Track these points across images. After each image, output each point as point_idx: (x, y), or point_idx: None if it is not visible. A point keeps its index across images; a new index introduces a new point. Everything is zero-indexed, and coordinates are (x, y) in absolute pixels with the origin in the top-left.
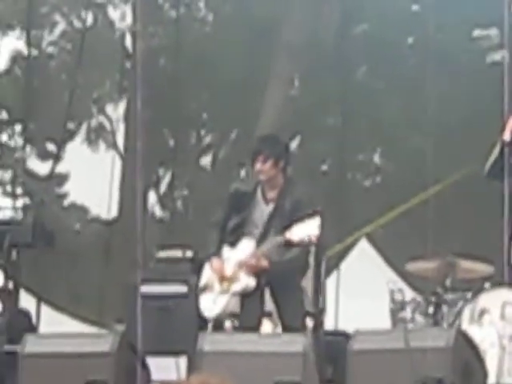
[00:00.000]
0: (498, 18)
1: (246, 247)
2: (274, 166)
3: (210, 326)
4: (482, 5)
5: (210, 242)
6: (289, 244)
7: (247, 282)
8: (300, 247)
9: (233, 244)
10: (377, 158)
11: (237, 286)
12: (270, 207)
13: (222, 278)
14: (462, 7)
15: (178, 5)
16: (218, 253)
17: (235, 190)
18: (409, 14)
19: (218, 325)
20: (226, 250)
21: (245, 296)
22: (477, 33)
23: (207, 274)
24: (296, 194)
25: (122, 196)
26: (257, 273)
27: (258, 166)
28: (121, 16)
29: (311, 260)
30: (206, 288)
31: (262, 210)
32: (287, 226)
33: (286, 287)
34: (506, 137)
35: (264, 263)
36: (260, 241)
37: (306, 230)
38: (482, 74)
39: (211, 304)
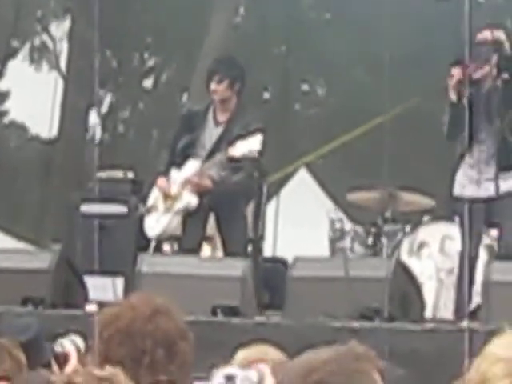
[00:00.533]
0: None
1: (191, 167)
2: (229, 88)
3: (151, 245)
4: None
5: (160, 162)
6: (232, 160)
7: (189, 199)
8: (244, 164)
9: (180, 165)
10: (320, 89)
11: (179, 204)
12: (220, 129)
13: (166, 197)
14: None
15: None
16: (165, 173)
17: (187, 110)
18: None
19: (159, 246)
20: (174, 171)
21: (187, 216)
22: None
23: (154, 194)
24: (246, 118)
25: (63, 116)
26: (199, 191)
27: (213, 85)
28: None
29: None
30: (151, 208)
31: (211, 132)
32: (230, 143)
33: (230, 213)
34: (452, 97)
35: (207, 181)
36: (206, 162)
37: (248, 145)
38: (431, 9)
39: (154, 223)
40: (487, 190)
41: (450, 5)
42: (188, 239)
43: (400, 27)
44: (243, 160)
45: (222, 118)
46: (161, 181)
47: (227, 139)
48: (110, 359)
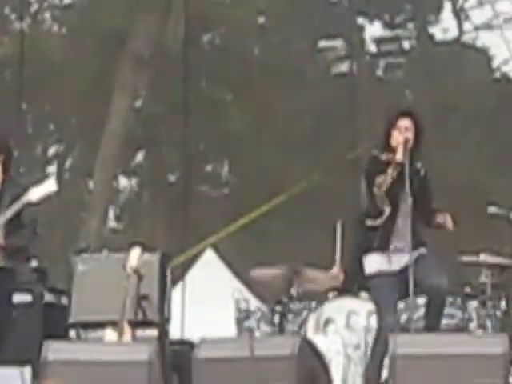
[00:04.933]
0: (344, 29)
1: None
2: None
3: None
4: (327, 16)
5: None
6: (30, 205)
7: None
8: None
9: None
10: (224, 170)
11: None
12: None
13: None
14: (307, 19)
15: (23, 16)
16: None
17: None
18: (255, 25)
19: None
20: None
21: None
22: (322, 44)
23: None
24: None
25: None
26: None
27: None
28: None
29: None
30: None
31: None
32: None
33: None
34: (399, 156)
35: None
36: None
37: (45, 188)
38: (328, 86)
39: None
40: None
41: (347, 80)
42: None
43: (297, 104)
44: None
45: None
46: None
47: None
48: None
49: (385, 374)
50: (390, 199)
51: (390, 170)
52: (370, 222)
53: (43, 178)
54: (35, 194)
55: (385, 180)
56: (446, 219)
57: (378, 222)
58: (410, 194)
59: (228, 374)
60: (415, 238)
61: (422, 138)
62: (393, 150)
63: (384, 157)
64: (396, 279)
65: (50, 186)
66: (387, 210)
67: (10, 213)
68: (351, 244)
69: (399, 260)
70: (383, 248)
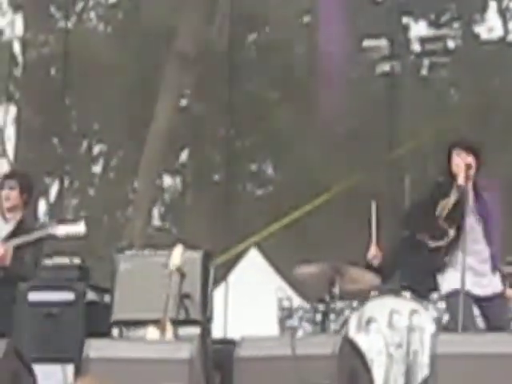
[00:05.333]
0: (389, 28)
1: None
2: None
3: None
4: (371, 16)
5: None
6: (52, 238)
7: None
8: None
9: None
10: (269, 169)
11: None
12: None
13: None
14: (352, 18)
15: (68, 14)
16: None
17: None
18: (299, 24)
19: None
20: None
21: None
22: (366, 43)
23: None
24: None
25: None
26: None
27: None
28: (10, 23)
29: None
30: None
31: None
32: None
33: None
34: (461, 181)
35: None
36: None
37: (74, 228)
38: (372, 85)
39: None
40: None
41: (390, 80)
42: None
43: (344, 103)
44: (65, 239)
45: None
46: None
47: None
48: None
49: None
50: (453, 222)
51: (452, 194)
52: (433, 244)
53: (75, 219)
54: (62, 229)
55: (447, 203)
56: None
57: (442, 243)
58: (476, 216)
59: (269, 372)
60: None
61: (481, 162)
62: (454, 177)
63: (446, 182)
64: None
65: (79, 228)
66: (451, 232)
67: (29, 237)
68: (393, 237)
69: (483, 285)
70: (454, 265)
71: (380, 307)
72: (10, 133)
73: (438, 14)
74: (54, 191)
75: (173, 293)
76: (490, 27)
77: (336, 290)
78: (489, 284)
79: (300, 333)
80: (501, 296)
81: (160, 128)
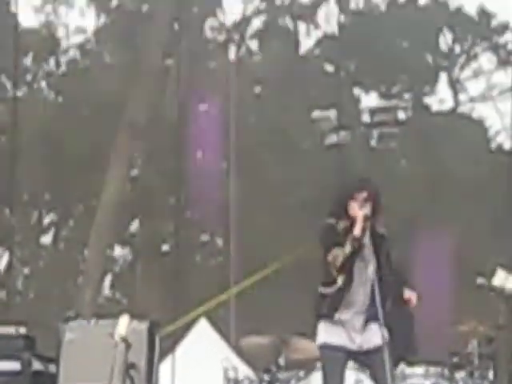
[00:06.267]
0: (340, 99)
1: None
2: None
3: None
4: (323, 87)
5: None
6: None
7: None
8: None
9: None
10: (219, 239)
11: None
12: None
13: None
14: (303, 89)
15: (18, 83)
16: None
17: None
18: (252, 95)
19: None
20: None
21: None
22: (315, 114)
23: None
24: None
25: None
26: None
27: None
28: None
29: None
30: None
31: None
32: None
33: None
34: (357, 232)
35: None
36: None
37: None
38: (321, 156)
39: None
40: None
41: (339, 151)
42: None
43: (291, 175)
44: None
45: None
46: None
47: None
48: None
49: None
50: (344, 271)
51: (347, 245)
52: (322, 290)
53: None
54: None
55: (341, 253)
56: (411, 296)
57: (329, 290)
58: (375, 263)
59: None
60: (373, 311)
61: (380, 206)
62: (350, 219)
63: (341, 225)
64: (346, 356)
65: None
66: (340, 281)
67: None
68: None
69: (358, 340)
70: (329, 317)
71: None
72: None
73: (388, 86)
74: (3, 261)
75: (118, 363)
76: (441, 99)
77: (281, 361)
78: (365, 338)
79: None
80: (379, 349)
81: (110, 198)
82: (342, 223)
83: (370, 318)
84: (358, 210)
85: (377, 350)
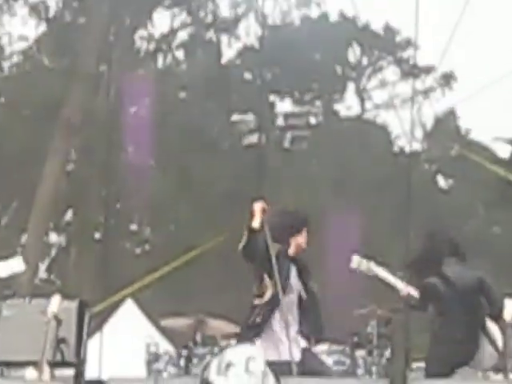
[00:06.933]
0: (257, 104)
1: None
2: None
3: None
4: (240, 93)
5: None
6: None
7: None
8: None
9: None
10: (147, 229)
11: None
12: None
13: None
14: (224, 94)
15: None
16: None
17: None
18: (177, 99)
19: None
20: None
21: None
22: (234, 117)
23: None
24: None
25: None
26: None
27: None
28: None
29: None
30: None
31: None
32: None
33: None
34: (255, 224)
35: None
36: None
37: (12, 266)
38: (240, 155)
39: None
40: None
41: (256, 151)
42: None
43: (213, 170)
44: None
45: None
46: None
47: None
48: None
49: None
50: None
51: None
52: (255, 301)
53: (9, 255)
54: (2, 270)
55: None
56: None
57: (257, 301)
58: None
59: None
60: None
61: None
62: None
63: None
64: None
65: (17, 265)
66: (268, 294)
67: None
68: None
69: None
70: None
71: (238, 353)
72: None
73: (301, 93)
74: None
75: (50, 337)
76: (349, 106)
77: (198, 338)
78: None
79: (165, 375)
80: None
81: (48, 190)
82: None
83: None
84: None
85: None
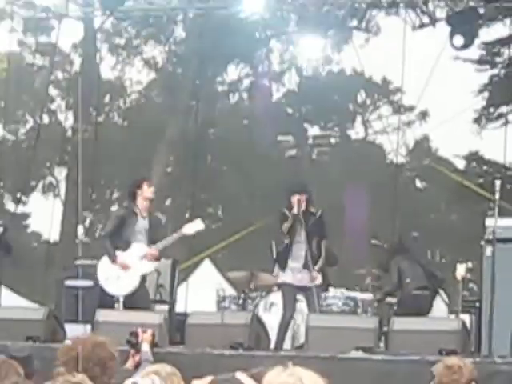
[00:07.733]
0: (294, 129)
1: (138, 247)
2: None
3: (120, 302)
4: (284, 122)
5: (108, 248)
6: (185, 237)
7: (153, 265)
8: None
9: (124, 249)
10: (219, 211)
11: (146, 268)
12: (146, 222)
13: (126, 267)
14: (272, 124)
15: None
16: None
17: (118, 216)
18: (242, 125)
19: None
20: (119, 253)
21: (144, 277)
22: (280, 138)
23: (107, 267)
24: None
25: (62, 227)
26: (157, 259)
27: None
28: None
29: None
30: (108, 277)
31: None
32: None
33: None
34: (294, 211)
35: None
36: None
37: (196, 226)
38: (284, 163)
39: (118, 288)
40: None
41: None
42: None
43: (266, 173)
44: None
45: (145, 214)
46: (120, 258)
47: (154, 227)
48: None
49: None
50: (288, 235)
51: (289, 219)
52: (278, 248)
53: (191, 218)
54: (190, 229)
55: (287, 225)
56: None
57: (279, 248)
58: (305, 232)
59: (207, 333)
60: (310, 260)
61: (311, 199)
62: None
63: (287, 212)
64: (296, 290)
65: (200, 225)
66: (286, 241)
67: (169, 240)
68: None
69: (300, 279)
70: (283, 266)
71: (278, 296)
72: (62, 185)
73: (325, 122)
74: (88, 220)
75: (153, 284)
76: (357, 131)
77: (252, 286)
78: (303, 279)
79: (228, 311)
80: (310, 288)
81: (154, 186)
82: (287, 211)
83: (306, 266)
84: (296, 200)
85: (309, 288)
